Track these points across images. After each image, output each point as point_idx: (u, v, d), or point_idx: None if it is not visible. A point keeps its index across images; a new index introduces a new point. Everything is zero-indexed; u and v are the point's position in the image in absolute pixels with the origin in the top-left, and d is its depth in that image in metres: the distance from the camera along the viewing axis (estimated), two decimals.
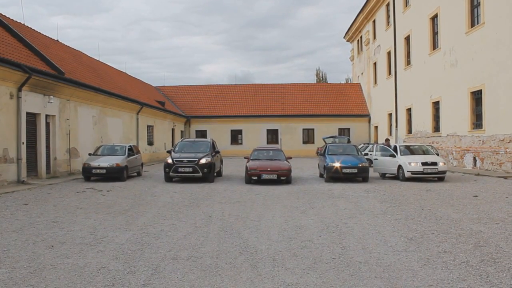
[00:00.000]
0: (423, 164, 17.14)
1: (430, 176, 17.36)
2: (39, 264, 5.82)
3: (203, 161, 17.41)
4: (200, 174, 17.23)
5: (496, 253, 6.22)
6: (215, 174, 18.62)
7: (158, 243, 7.00)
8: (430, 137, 27.53)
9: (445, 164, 17.63)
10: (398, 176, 17.84)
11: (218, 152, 19.97)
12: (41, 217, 9.44)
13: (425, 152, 18.75)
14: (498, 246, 6.62)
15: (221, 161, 20.94)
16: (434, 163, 17.22)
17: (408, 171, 17.25)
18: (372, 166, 19.79)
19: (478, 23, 21.85)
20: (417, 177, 17.35)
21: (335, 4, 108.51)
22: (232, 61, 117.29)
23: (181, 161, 17.46)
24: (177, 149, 18.93)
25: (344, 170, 17.24)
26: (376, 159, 19.59)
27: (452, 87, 24.28)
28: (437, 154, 18.84)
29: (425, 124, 28.60)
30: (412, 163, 17.23)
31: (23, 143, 17.19)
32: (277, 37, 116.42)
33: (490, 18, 20.56)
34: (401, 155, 18.15)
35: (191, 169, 17.25)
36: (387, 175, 19.41)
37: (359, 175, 17.48)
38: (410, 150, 18.86)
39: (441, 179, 17.43)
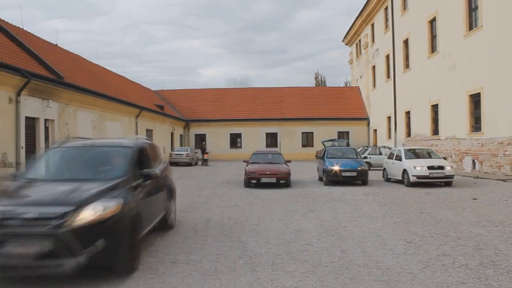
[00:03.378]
0: (429, 168, 16.17)
1: (437, 181, 16.37)
2: None
3: (86, 215, 5.21)
4: (66, 267, 4.99)
5: (495, 255, 6.22)
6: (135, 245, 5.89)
7: (156, 246, 6.98)
8: (429, 140, 27.56)
9: (452, 168, 16.73)
10: (403, 180, 16.93)
11: (151, 176, 6.92)
12: None
13: (431, 156, 17.99)
14: (497, 248, 6.62)
15: (171, 192, 8.66)
16: (441, 167, 16.29)
17: (413, 176, 16.24)
18: (371, 169, 19.70)
19: (476, 26, 21.92)
20: (423, 182, 16.28)
21: (334, 7, 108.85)
22: (230, 64, 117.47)
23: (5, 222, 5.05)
24: (37, 170, 6.90)
25: (343, 173, 17.22)
26: (393, 163, 18.37)
27: (451, 90, 24.33)
28: (445, 158, 18.07)
29: (424, 127, 28.62)
30: (418, 167, 16.29)
31: (22, 147, 17.18)
32: (275, 40, 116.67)
33: (488, 21, 20.62)
34: (405, 158, 17.26)
35: (34, 250, 4.95)
36: (392, 180, 18.66)
37: (358, 178, 17.47)
38: (415, 154, 18.07)
39: (448, 184, 16.38)
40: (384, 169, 19.72)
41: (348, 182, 17.61)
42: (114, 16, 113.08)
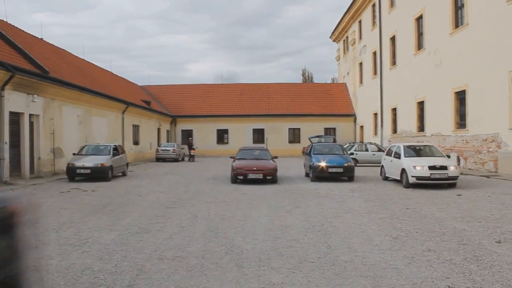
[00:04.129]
0: (430, 168, 14.46)
1: (439, 182, 14.61)
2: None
3: None
4: None
5: (479, 251, 6.31)
6: None
7: (143, 243, 6.95)
8: (415, 136, 27.80)
9: (456, 168, 15.12)
10: (402, 181, 15.35)
11: None
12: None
13: (433, 154, 16.19)
14: (480, 244, 6.72)
15: None
16: (444, 167, 14.54)
17: (412, 176, 14.58)
18: (357, 165, 19.62)
19: (462, 24, 22.13)
20: (423, 183, 14.64)
21: (322, 3, 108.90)
22: (218, 60, 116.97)
23: None
24: None
25: (329, 170, 17.29)
26: (392, 161, 16.81)
27: (437, 87, 24.56)
28: (448, 156, 16.70)
29: (410, 124, 28.87)
30: (418, 167, 14.62)
31: (6, 143, 16.92)
32: (263, 36, 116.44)
33: (474, 19, 20.82)
34: (405, 157, 15.60)
35: None
36: (390, 179, 17.22)
37: (345, 175, 17.56)
38: (415, 151, 16.40)
39: (451, 186, 14.64)
40: (382, 166, 18.24)
41: (335, 178, 17.71)
42: (101, 10, 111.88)
